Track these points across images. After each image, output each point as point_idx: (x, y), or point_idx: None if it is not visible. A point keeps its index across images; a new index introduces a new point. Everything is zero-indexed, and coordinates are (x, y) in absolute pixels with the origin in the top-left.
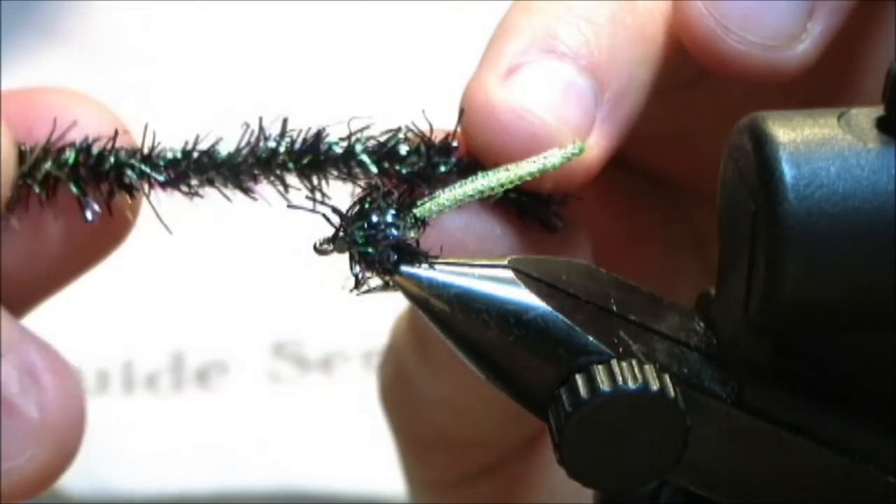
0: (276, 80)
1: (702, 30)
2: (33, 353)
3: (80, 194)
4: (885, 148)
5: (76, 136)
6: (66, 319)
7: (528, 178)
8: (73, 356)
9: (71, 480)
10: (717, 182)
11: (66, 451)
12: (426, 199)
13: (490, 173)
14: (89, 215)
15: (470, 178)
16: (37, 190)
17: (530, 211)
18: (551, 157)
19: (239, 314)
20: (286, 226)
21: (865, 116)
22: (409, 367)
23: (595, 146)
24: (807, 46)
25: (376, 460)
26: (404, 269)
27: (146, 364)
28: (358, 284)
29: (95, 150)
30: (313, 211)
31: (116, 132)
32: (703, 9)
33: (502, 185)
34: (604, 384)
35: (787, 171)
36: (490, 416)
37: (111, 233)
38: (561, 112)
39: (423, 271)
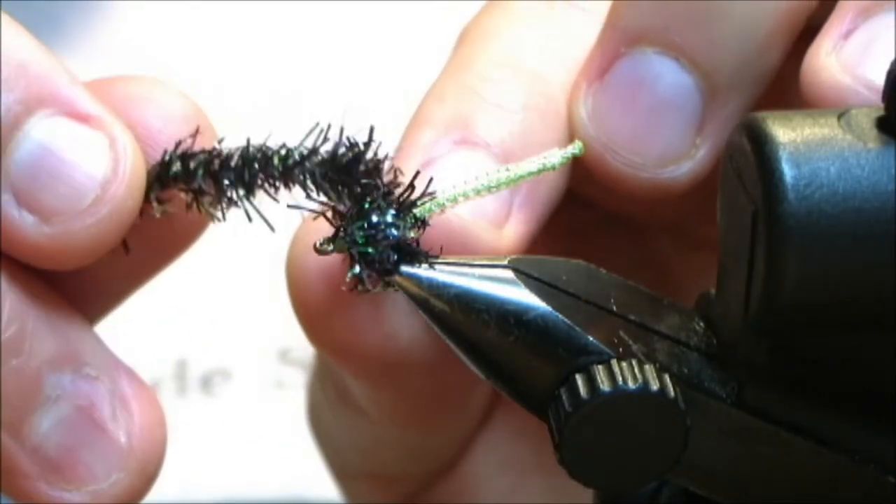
0: (277, 79)
1: (591, 150)
2: (124, 379)
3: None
4: (885, 148)
5: (162, 129)
6: None
7: (528, 178)
8: None
9: None
10: (718, 183)
11: (147, 477)
12: (426, 198)
13: (490, 173)
14: (220, 216)
15: (470, 179)
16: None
17: None
18: (551, 157)
19: (243, 321)
20: (288, 231)
21: (865, 116)
22: (320, 406)
23: (512, 233)
24: (694, 164)
25: None
26: (404, 269)
27: (149, 372)
28: (358, 284)
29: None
30: (313, 211)
31: (197, 130)
32: (592, 130)
33: (502, 185)
34: (604, 384)
35: (787, 171)
36: (394, 455)
37: (192, 229)
38: (475, 205)
39: (423, 271)
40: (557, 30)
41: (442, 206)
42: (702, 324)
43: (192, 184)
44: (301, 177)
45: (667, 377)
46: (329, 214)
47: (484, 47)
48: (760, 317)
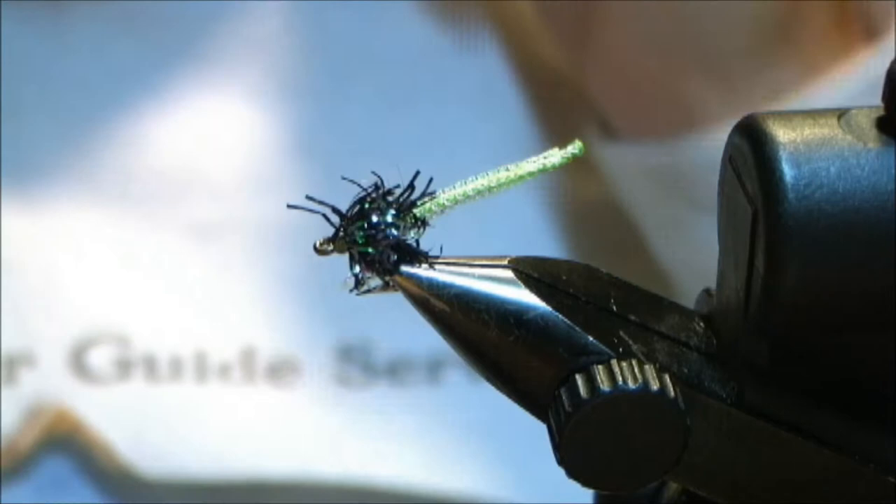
0: None
1: None
2: None
3: None
4: (885, 148)
5: None
6: (143, 312)
7: (528, 178)
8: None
9: (146, 463)
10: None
11: None
12: (426, 199)
13: (490, 173)
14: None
15: (470, 178)
16: None
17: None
18: (551, 157)
19: (307, 316)
20: None
21: (865, 116)
22: None
23: None
24: None
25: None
26: (404, 269)
27: (218, 356)
28: (358, 284)
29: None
30: (313, 211)
31: None
32: None
33: (502, 185)
34: (604, 384)
35: (787, 171)
36: None
37: None
38: None
39: (423, 271)
40: None
41: (442, 206)
42: (702, 324)
43: None
44: None
45: (667, 377)
46: (329, 214)
47: None
48: (760, 317)
